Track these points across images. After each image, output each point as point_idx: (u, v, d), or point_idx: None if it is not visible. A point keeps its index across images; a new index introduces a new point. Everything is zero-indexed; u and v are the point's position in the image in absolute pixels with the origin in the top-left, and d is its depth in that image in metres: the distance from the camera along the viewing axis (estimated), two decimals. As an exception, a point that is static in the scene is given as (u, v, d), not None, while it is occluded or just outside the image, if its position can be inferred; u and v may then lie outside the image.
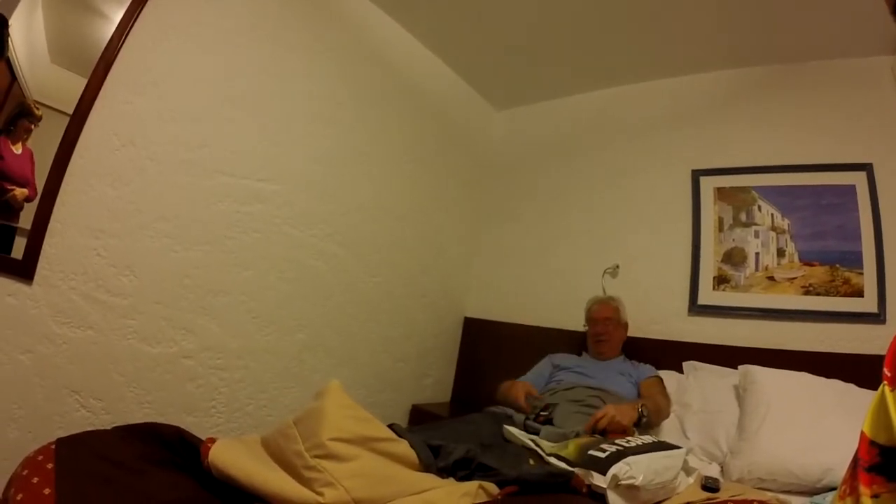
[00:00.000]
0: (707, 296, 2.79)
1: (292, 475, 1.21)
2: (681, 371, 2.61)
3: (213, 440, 1.26)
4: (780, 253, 2.65)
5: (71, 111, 1.80)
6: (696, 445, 2.17)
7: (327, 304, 2.71)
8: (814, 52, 2.76)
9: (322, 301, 2.68)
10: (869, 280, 2.40)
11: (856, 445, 0.70)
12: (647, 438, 1.72)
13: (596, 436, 1.86)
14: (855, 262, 2.45)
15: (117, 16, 1.91)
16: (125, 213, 1.96)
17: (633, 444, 1.61)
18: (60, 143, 1.78)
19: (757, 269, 2.69)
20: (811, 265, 2.56)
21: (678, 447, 1.67)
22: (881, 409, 0.65)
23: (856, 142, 2.58)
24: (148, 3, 1.98)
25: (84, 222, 1.85)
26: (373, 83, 2.98)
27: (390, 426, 1.54)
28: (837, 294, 2.46)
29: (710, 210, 2.89)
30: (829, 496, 1.57)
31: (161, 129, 2.06)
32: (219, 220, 2.25)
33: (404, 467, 1.37)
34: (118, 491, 1.09)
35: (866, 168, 2.51)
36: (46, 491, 1.04)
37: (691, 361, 2.60)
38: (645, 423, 2.14)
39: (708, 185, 2.93)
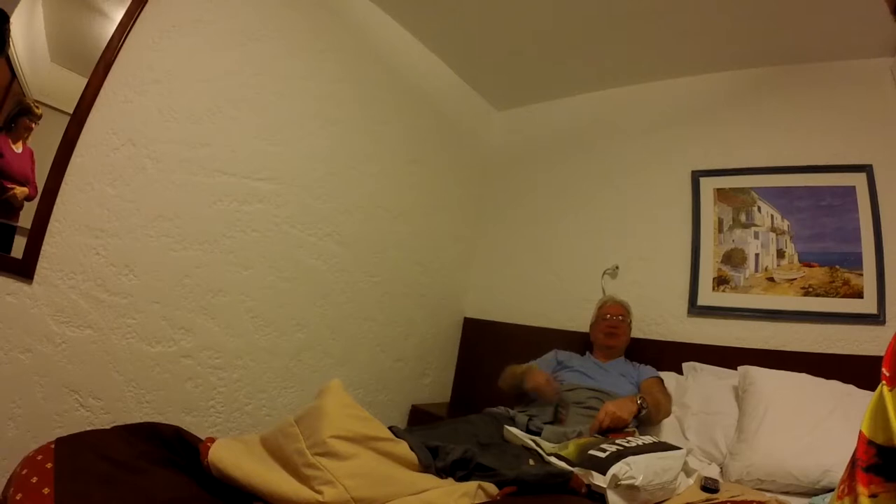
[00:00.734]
0: (707, 297, 2.79)
1: (292, 474, 1.21)
2: (680, 372, 2.61)
3: (212, 440, 1.26)
4: (780, 254, 2.65)
5: (71, 110, 1.80)
6: (696, 446, 2.17)
7: (326, 304, 2.71)
8: (813, 54, 2.76)
9: (321, 300, 2.68)
10: (868, 281, 2.40)
11: (854, 446, 0.70)
12: (647, 439, 1.72)
13: (597, 436, 1.87)
14: (855, 263, 2.45)
15: (118, 15, 1.91)
16: (125, 212, 1.96)
17: (632, 445, 1.61)
18: (61, 142, 1.78)
19: (757, 270, 2.69)
20: (811, 266, 2.56)
21: (678, 448, 1.67)
22: (879, 408, 0.65)
23: (855, 143, 2.58)
24: (148, 2, 1.98)
25: (84, 221, 1.85)
26: (373, 83, 2.98)
27: (389, 428, 1.54)
28: (837, 295, 2.46)
29: (709, 211, 2.89)
30: (829, 497, 1.57)
31: (161, 128, 2.06)
32: (218, 220, 2.25)
33: (403, 467, 1.37)
34: (118, 490, 1.09)
35: (866, 169, 2.51)
36: (46, 490, 1.04)
37: (691, 362, 2.60)
38: (644, 417, 2.15)
39: (708, 186, 2.93)
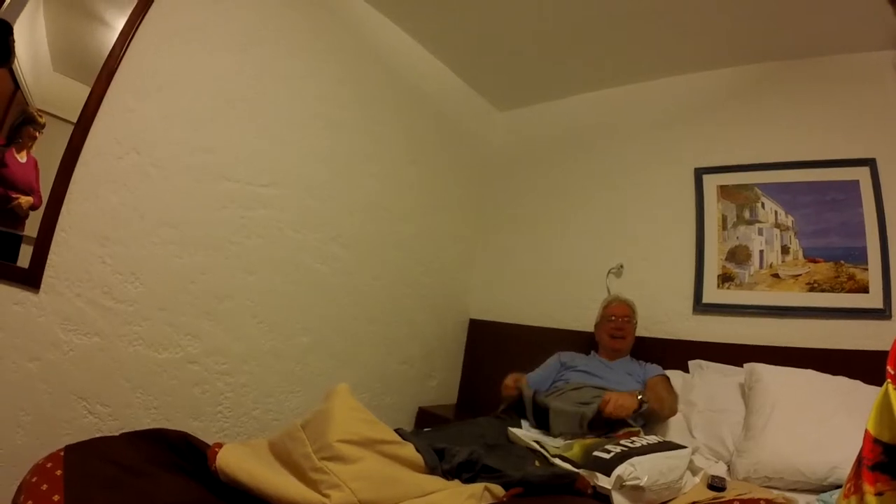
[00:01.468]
0: (712, 294, 2.78)
1: (299, 478, 1.22)
2: (686, 370, 2.61)
3: (220, 445, 1.27)
4: (785, 250, 2.64)
5: (74, 119, 1.82)
6: (703, 444, 2.17)
7: (331, 307, 2.72)
8: (815, 49, 2.76)
9: (326, 304, 2.69)
10: (874, 276, 2.40)
11: (861, 443, 0.70)
12: (653, 439, 1.72)
13: (602, 437, 1.87)
14: (859, 258, 2.45)
15: (119, 23, 1.92)
16: (130, 219, 1.97)
17: (637, 445, 1.61)
18: (65, 151, 1.79)
19: (761, 266, 2.69)
20: (816, 262, 2.56)
21: (683, 447, 1.67)
22: (885, 407, 0.65)
23: (858, 137, 2.57)
24: (150, 9, 1.99)
25: (89, 230, 1.86)
26: (375, 86, 2.98)
27: (395, 431, 1.55)
28: (842, 290, 2.46)
29: (713, 208, 2.88)
30: (836, 494, 1.56)
31: (164, 135, 2.07)
32: (222, 226, 2.26)
33: (410, 469, 1.38)
34: (127, 497, 1.09)
35: (869, 163, 2.50)
36: (56, 498, 1.05)
37: (696, 360, 2.60)
38: (647, 413, 2.15)
39: (711, 183, 2.92)
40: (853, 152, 2.56)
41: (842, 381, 2.10)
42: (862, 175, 2.51)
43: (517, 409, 2.33)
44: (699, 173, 2.96)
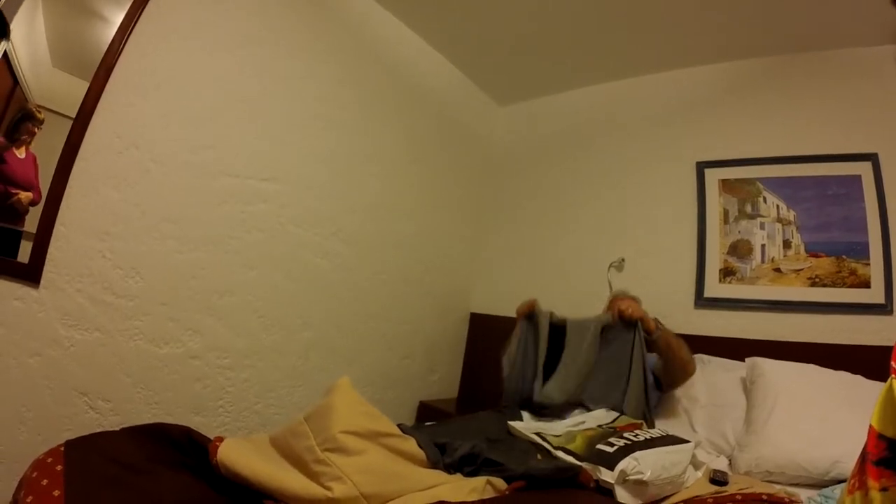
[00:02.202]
0: (713, 288, 2.78)
1: (302, 471, 1.22)
2: (688, 364, 2.60)
3: (220, 439, 1.26)
4: (786, 244, 2.64)
5: (73, 115, 1.81)
6: (704, 439, 2.16)
7: (332, 303, 2.72)
8: (816, 42, 2.75)
9: (327, 299, 2.69)
10: (876, 271, 2.39)
11: (864, 438, 0.69)
12: (656, 432, 1.71)
13: (605, 427, 1.86)
14: (861, 252, 2.44)
15: (118, 18, 1.92)
16: (130, 215, 1.96)
17: (641, 439, 1.61)
18: (64, 147, 1.79)
19: (763, 261, 2.68)
20: (817, 256, 2.55)
21: (686, 441, 1.66)
22: (889, 402, 0.65)
23: (860, 131, 2.57)
24: (148, 5, 1.98)
25: (89, 225, 1.86)
26: (375, 81, 2.98)
27: (398, 426, 1.55)
28: (844, 285, 2.45)
29: (715, 202, 2.88)
30: (838, 489, 1.56)
31: (164, 130, 2.06)
32: (223, 221, 2.26)
33: (412, 463, 1.38)
34: (127, 492, 1.09)
35: (871, 158, 2.49)
36: (56, 493, 1.05)
37: (698, 355, 2.58)
38: (656, 347, 2.20)
39: (713, 177, 2.91)
40: (855, 147, 2.56)
41: (843, 375, 2.10)
42: (864, 170, 2.51)
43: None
44: (701, 167, 2.96)
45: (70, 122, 1.81)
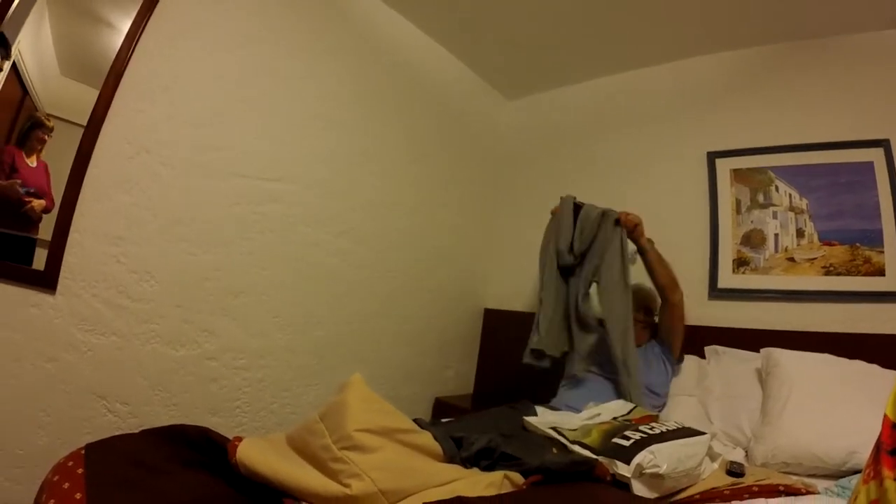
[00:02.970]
0: (727, 279, 2.76)
1: (319, 469, 1.22)
2: (703, 356, 2.59)
3: (239, 439, 1.27)
4: (800, 233, 2.62)
5: (82, 122, 1.83)
6: (720, 430, 2.16)
7: (345, 300, 2.73)
8: (824, 28, 2.72)
9: (339, 297, 2.70)
10: (890, 258, 2.37)
11: (879, 428, 0.69)
12: (671, 425, 1.71)
13: (620, 420, 1.86)
14: (875, 240, 2.42)
15: (124, 25, 1.93)
16: (142, 219, 1.98)
17: (656, 432, 1.60)
18: (76, 154, 1.81)
19: (776, 250, 2.67)
20: (831, 245, 2.53)
21: (702, 433, 1.66)
22: None
23: (871, 118, 2.54)
24: (154, 10, 2.00)
25: (103, 230, 1.88)
26: (381, 78, 2.98)
27: (414, 421, 1.55)
28: (858, 273, 2.43)
29: (726, 192, 2.86)
30: (855, 479, 1.55)
31: (173, 134, 2.08)
32: (234, 222, 2.27)
33: (428, 458, 1.38)
34: (148, 494, 1.11)
35: (883, 144, 2.47)
36: (77, 496, 1.06)
37: (713, 346, 2.58)
38: (652, 252, 2.47)
39: (724, 167, 2.89)
40: (867, 133, 2.53)
41: (859, 364, 2.08)
42: (876, 156, 2.48)
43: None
44: (712, 157, 2.94)
45: (79, 129, 1.82)
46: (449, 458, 1.43)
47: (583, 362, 2.44)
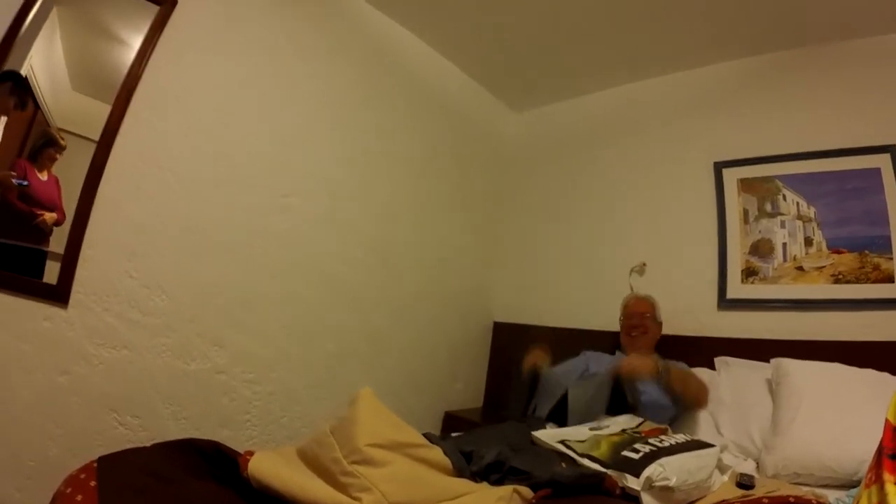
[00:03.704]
0: (736, 289, 2.75)
1: (330, 482, 1.23)
2: (712, 367, 2.57)
3: (251, 453, 1.28)
4: (808, 242, 2.61)
5: (95, 137, 1.86)
6: (731, 441, 2.15)
7: (354, 311, 2.74)
8: (827, 34, 2.72)
9: (348, 308, 2.71)
10: (900, 265, 2.36)
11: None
12: (681, 437, 1.71)
13: (630, 432, 1.86)
14: (884, 246, 2.40)
15: (135, 41, 1.96)
16: (154, 233, 2.00)
17: (666, 445, 1.60)
18: (89, 169, 1.83)
19: (785, 259, 2.66)
20: (839, 252, 2.52)
21: (712, 445, 1.66)
22: None
23: (878, 123, 2.52)
24: (166, 26, 2.02)
25: (115, 245, 1.90)
26: (390, 91, 3.00)
27: (423, 435, 1.55)
28: (867, 281, 2.42)
29: (734, 202, 2.86)
30: (864, 488, 1.55)
31: (184, 147, 2.11)
32: (244, 233, 2.29)
33: (438, 472, 1.39)
34: (159, 502, 1.11)
35: (890, 150, 2.45)
36: (90, 509, 1.07)
37: (723, 357, 2.57)
38: (664, 383, 2.18)
39: (731, 176, 2.89)
40: (873, 139, 2.51)
41: (869, 373, 2.07)
42: (883, 162, 2.47)
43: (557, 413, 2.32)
44: (718, 167, 2.94)
45: (91, 144, 1.85)
46: (458, 472, 1.44)
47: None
